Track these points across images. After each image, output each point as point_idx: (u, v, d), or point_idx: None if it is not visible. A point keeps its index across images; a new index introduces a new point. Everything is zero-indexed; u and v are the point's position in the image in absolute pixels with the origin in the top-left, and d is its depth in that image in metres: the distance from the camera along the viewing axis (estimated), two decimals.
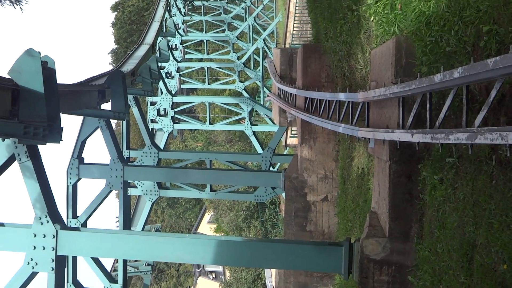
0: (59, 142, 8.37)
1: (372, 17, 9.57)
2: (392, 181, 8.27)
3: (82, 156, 17.59)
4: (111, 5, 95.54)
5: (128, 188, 19.22)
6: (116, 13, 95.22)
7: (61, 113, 8.59)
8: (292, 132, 30.27)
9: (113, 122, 24.04)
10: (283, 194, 18.77)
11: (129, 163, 23.66)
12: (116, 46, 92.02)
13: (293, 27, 33.24)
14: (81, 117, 16.60)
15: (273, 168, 26.87)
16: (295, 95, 17.17)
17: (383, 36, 9.23)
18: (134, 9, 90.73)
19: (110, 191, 17.66)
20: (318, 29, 16.24)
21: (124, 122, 23.07)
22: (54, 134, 8.13)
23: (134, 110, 22.70)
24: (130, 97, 22.45)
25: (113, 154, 17.42)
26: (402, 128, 7.65)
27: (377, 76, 9.21)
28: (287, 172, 16.13)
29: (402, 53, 8.15)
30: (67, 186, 17.50)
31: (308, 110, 14.76)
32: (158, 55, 37.11)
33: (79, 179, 17.52)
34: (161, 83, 32.39)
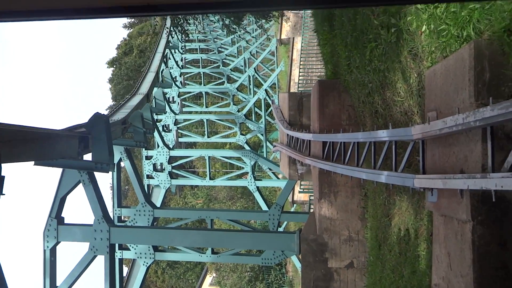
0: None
1: (424, 27, 7.14)
2: (477, 250, 5.68)
3: (62, 215, 15.06)
4: (108, 61, 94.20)
5: (120, 251, 16.81)
6: (113, 69, 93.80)
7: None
8: (302, 187, 27.75)
9: (104, 175, 21.58)
10: (293, 257, 16.18)
11: (119, 223, 21.20)
12: (113, 102, 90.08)
13: (299, 75, 31.02)
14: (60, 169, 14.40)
15: (279, 227, 24.13)
16: (309, 142, 14.75)
17: (443, 49, 6.79)
18: (131, 65, 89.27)
19: (95, 256, 15.06)
20: (336, 63, 13.89)
21: (115, 176, 20.71)
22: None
23: (126, 164, 20.24)
24: (121, 148, 20.08)
25: (98, 213, 14.89)
26: (492, 171, 5.16)
27: (438, 103, 6.74)
28: (303, 233, 13.53)
29: (485, 65, 5.71)
30: (44, 250, 14.89)
31: (327, 158, 12.31)
32: (153, 106, 35.13)
33: (58, 243, 14.93)
34: (157, 136, 30.09)
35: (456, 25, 6.30)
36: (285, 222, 26.48)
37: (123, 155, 20.10)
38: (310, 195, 27.79)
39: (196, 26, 65.69)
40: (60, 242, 14.95)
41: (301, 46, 31.78)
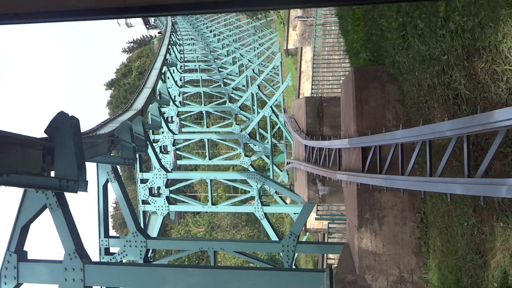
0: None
1: None
2: None
3: (24, 249, 11.74)
4: (106, 83, 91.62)
5: None
6: (111, 91, 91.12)
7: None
8: (318, 213, 24.35)
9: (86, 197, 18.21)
10: None
11: (106, 256, 17.86)
12: None
13: (312, 86, 27.75)
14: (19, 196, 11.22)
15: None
16: (339, 152, 11.50)
17: None
18: (130, 87, 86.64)
19: None
20: (374, 46, 10.63)
21: (101, 200, 17.45)
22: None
23: (114, 186, 17.00)
24: (107, 168, 16.86)
25: (69, 246, 11.48)
26: None
27: None
28: (337, 272, 10.15)
29: None
30: None
31: (372, 170, 9.06)
32: (149, 122, 32.03)
33: (18, 285, 11.57)
34: (153, 157, 26.78)
35: None
36: (296, 255, 22.66)
37: (110, 175, 16.87)
38: (329, 223, 24.38)
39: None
40: (21, 284, 11.60)
41: (314, 51, 28.60)
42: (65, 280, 11.40)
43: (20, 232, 11.41)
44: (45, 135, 10.08)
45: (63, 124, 9.83)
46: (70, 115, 10.17)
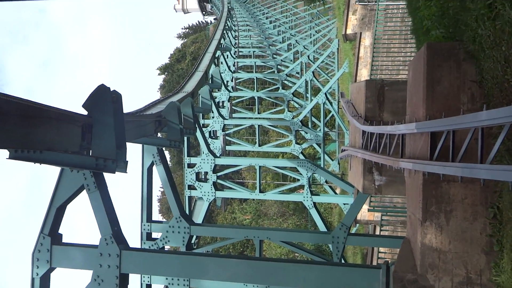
0: (126, 172, 9.56)
1: None
2: None
3: (59, 231, 11.05)
4: (159, 67, 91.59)
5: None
6: (164, 76, 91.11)
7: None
8: (371, 204, 23.24)
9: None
10: None
11: (148, 241, 17.17)
12: None
13: (371, 72, 26.57)
14: (52, 177, 10.49)
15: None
16: (403, 138, 10.44)
17: None
18: (183, 73, 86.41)
19: None
20: (451, 21, 9.53)
21: (145, 183, 16.72)
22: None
23: (159, 169, 16.23)
24: (153, 150, 16.12)
25: (106, 231, 10.73)
26: None
27: None
28: (396, 270, 9.14)
29: None
30: (32, 278, 10.88)
31: (443, 158, 8.02)
32: (210, 82, 31.39)
33: (51, 269, 10.87)
34: (202, 141, 26.08)
35: None
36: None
37: (156, 157, 16.12)
38: (382, 215, 23.25)
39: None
40: (54, 268, 10.92)
41: (375, 36, 27.36)
42: (100, 266, 10.66)
43: (56, 213, 10.72)
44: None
45: (103, 98, 9.11)
46: (111, 89, 9.43)
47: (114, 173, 9.40)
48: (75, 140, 8.82)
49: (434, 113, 8.72)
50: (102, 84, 9.11)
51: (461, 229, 8.67)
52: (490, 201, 8.46)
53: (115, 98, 9.26)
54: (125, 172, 9.80)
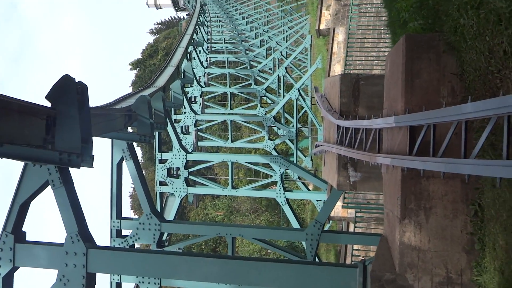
0: (92, 167, 9.01)
1: None
2: None
3: (22, 229, 10.56)
4: (131, 62, 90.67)
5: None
6: (136, 71, 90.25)
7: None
8: (345, 201, 22.98)
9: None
10: None
11: (118, 238, 16.69)
12: None
13: (345, 67, 26.32)
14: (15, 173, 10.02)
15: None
16: (379, 133, 10.15)
17: None
18: (155, 68, 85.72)
19: None
20: (431, 12, 9.24)
21: (114, 178, 16.26)
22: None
23: (129, 164, 15.78)
24: (123, 144, 15.66)
25: (71, 228, 10.27)
26: None
27: None
28: (374, 269, 8.83)
29: None
30: None
31: (421, 153, 7.72)
32: (182, 77, 31.01)
33: (14, 268, 10.39)
34: (173, 136, 25.64)
35: None
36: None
37: (126, 152, 15.67)
38: (356, 211, 23.02)
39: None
40: (18, 267, 10.42)
41: (349, 32, 27.10)
42: (65, 266, 10.19)
43: (19, 210, 10.20)
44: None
45: (67, 89, 8.58)
46: (77, 80, 8.95)
47: (79, 168, 8.92)
48: (39, 133, 8.35)
49: (413, 107, 8.42)
50: (67, 74, 8.62)
51: (441, 227, 8.38)
52: (471, 198, 8.19)
53: (81, 89, 8.78)
54: (91, 167, 9.33)
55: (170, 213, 26.76)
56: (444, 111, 6.50)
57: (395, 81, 9.15)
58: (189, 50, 39.65)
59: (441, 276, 8.39)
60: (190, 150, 31.17)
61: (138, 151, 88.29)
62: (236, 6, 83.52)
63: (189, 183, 25.96)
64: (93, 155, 9.30)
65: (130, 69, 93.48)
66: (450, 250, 8.36)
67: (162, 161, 26.20)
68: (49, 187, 10.18)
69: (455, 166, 6.10)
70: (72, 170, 10.14)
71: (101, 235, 17.78)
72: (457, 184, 8.29)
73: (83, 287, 10.22)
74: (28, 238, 10.64)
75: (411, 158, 7.67)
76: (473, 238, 8.19)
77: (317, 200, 25.74)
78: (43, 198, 10.86)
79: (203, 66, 47.34)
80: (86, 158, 8.98)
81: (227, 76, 50.34)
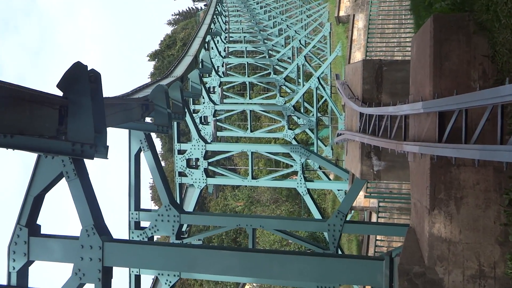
0: (107, 158, 8.76)
1: None
2: None
3: (37, 222, 10.27)
4: (150, 53, 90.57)
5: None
6: (154, 62, 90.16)
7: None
8: (368, 190, 22.54)
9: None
10: None
11: (136, 230, 16.43)
12: None
13: (366, 54, 25.80)
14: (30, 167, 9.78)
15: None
16: (405, 120, 9.71)
17: None
18: (173, 59, 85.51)
19: (82, 285, 10.19)
20: None
21: (132, 170, 16.00)
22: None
23: (147, 155, 15.51)
24: (140, 135, 15.39)
25: (87, 221, 9.95)
26: None
27: None
28: (402, 262, 8.42)
29: None
30: (9, 273, 10.09)
31: (453, 141, 7.28)
32: (200, 67, 30.75)
33: (29, 262, 10.12)
34: (192, 127, 25.32)
35: None
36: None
37: (143, 143, 15.38)
38: (379, 201, 22.56)
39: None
40: (32, 261, 10.15)
41: (369, 18, 26.54)
42: (81, 259, 9.89)
43: (33, 203, 9.90)
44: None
45: (79, 77, 8.27)
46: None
47: (93, 159, 8.63)
48: (52, 123, 8.06)
49: (442, 91, 7.97)
50: (78, 62, 8.29)
51: (473, 217, 7.95)
52: (504, 187, 7.74)
53: (93, 77, 8.46)
54: (106, 158, 9.01)
55: (189, 204, 26.46)
56: (479, 94, 6.06)
57: (422, 65, 8.70)
58: (207, 40, 39.33)
59: (473, 269, 7.96)
60: (209, 141, 30.90)
61: (158, 142, 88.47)
62: None
63: (208, 173, 25.70)
64: (108, 146, 8.98)
65: (148, 60, 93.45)
66: (483, 242, 7.93)
67: (181, 152, 25.91)
68: (64, 179, 9.89)
69: (492, 153, 5.67)
70: (88, 162, 9.82)
71: (120, 227, 17.57)
72: (489, 173, 7.84)
73: (99, 281, 9.92)
74: (48, 232, 10.41)
75: (442, 145, 7.23)
76: (507, 229, 7.75)
77: (338, 190, 25.35)
78: (64, 190, 10.53)
79: (221, 56, 47.03)
80: (100, 149, 8.68)
81: (246, 65, 49.96)
